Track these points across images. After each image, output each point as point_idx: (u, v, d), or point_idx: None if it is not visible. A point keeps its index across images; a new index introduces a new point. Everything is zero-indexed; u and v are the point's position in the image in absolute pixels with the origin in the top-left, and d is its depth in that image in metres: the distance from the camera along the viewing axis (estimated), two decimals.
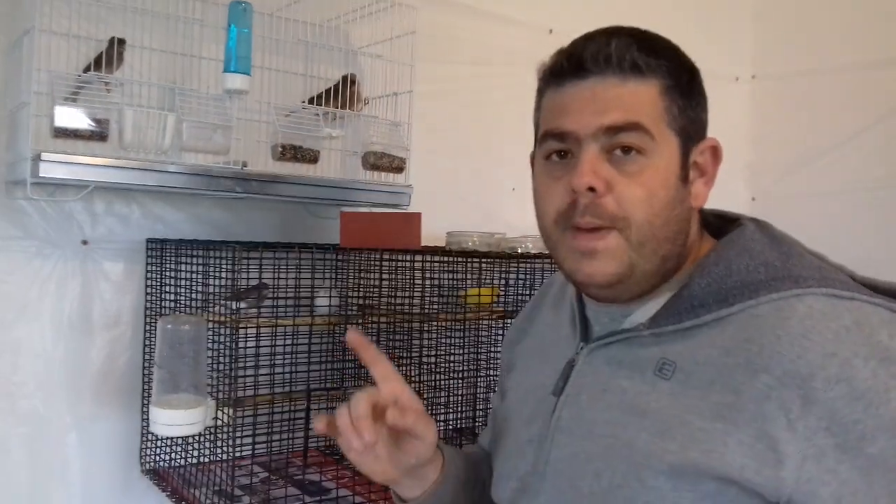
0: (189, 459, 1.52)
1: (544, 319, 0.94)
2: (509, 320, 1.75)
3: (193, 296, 1.47)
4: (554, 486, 0.77)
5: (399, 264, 1.57)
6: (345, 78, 1.67)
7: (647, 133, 0.70)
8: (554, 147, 0.75)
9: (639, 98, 0.71)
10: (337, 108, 1.64)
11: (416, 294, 1.57)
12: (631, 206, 0.70)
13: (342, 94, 1.65)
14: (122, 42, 1.42)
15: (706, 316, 0.70)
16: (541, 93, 0.79)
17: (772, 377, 0.64)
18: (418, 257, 1.57)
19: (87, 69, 1.40)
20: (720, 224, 0.81)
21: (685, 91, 0.73)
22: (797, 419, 0.63)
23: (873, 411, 0.62)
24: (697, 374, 0.69)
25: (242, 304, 1.40)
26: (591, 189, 0.70)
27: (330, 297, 1.54)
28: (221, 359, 1.39)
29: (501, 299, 1.73)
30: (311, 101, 1.66)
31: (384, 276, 1.54)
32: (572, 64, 0.72)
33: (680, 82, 0.73)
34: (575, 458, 0.75)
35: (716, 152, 0.77)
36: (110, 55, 1.40)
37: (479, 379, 1.71)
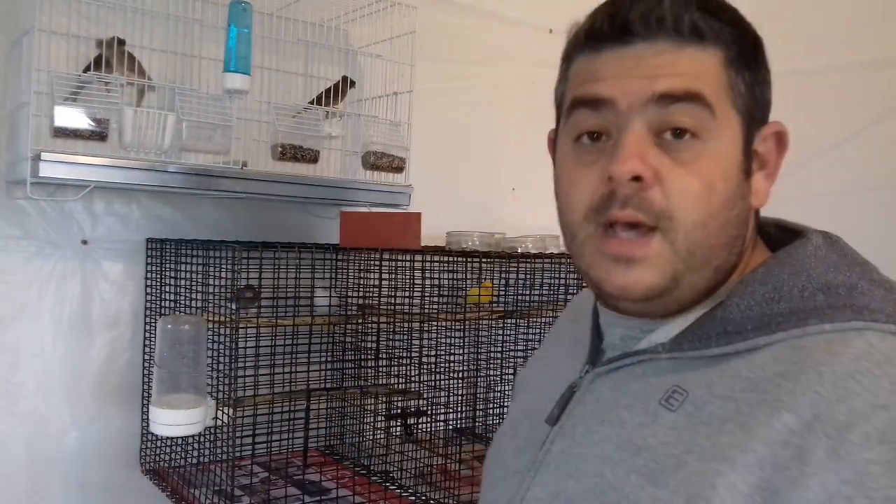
0: (189, 459, 1.52)
1: (562, 332, 0.82)
2: (509, 320, 1.76)
3: (193, 296, 1.47)
4: None
5: (399, 264, 1.57)
6: (344, 78, 1.67)
7: (708, 108, 0.57)
8: (586, 122, 0.61)
9: (699, 66, 0.58)
10: (336, 106, 1.64)
11: (416, 294, 1.57)
12: (683, 202, 0.57)
13: (340, 91, 1.65)
14: (121, 42, 1.42)
15: (739, 344, 0.57)
16: (568, 60, 0.65)
17: (798, 420, 0.51)
18: (418, 257, 1.56)
19: (86, 69, 1.40)
20: (782, 236, 0.67)
21: (751, 63, 0.61)
22: (814, 474, 0.49)
23: None
24: (710, 409, 0.56)
25: (235, 306, 1.40)
26: (637, 178, 0.57)
27: (330, 297, 1.54)
28: (221, 359, 1.39)
29: (501, 299, 1.73)
30: (311, 101, 1.66)
31: (384, 276, 1.54)
32: (616, 26, 0.59)
33: (745, 52, 0.60)
34: (555, 498, 0.64)
35: (781, 139, 0.63)
36: (109, 57, 1.39)
37: (479, 379, 1.71)
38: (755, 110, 0.61)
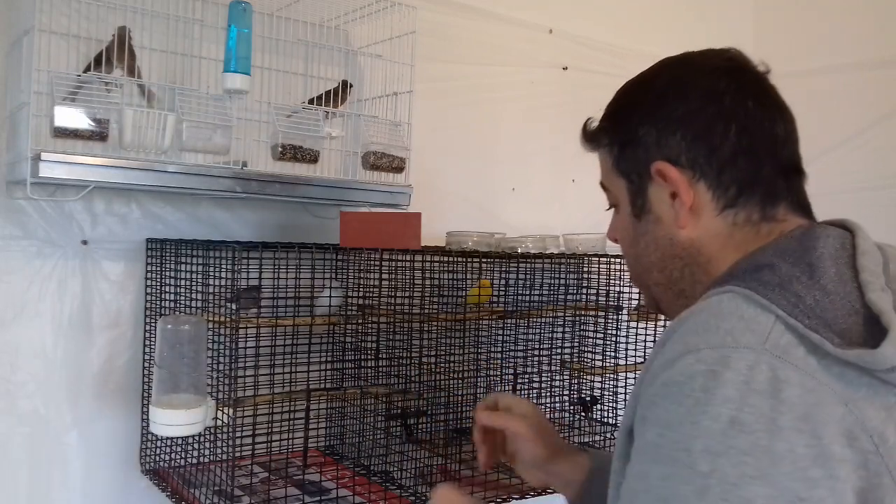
0: (189, 459, 1.52)
1: None
2: (509, 320, 1.76)
3: (193, 296, 1.47)
4: None
5: (399, 264, 1.57)
6: (344, 83, 1.67)
7: (607, 189, 0.86)
8: None
9: (601, 163, 0.87)
10: (336, 107, 1.64)
11: (416, 294, 1.57)
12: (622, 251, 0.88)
13: (339, 95, 1.66)
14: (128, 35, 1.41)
15: None
16: None
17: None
18: (418, 257, 1.56)
19: (86, 69, 1.40)
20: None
21: (620, 140, 0.83)
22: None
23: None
24: None
25: (235, 306, 1.39)
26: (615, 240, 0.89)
27: (330, 296, 1.54)
28: (221, 359, 1.39)
29: (501, 299, 1.73)
30: (310, 101, 1.66)
31: (384, 276, 1.54)
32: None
33: (615, 137, 0.83)
34: None
35: (661, 174, 0.79)
36: (119, 44, 1.38)
37: (479, 379, 1.71)
38: (632, 169, 0.82)
